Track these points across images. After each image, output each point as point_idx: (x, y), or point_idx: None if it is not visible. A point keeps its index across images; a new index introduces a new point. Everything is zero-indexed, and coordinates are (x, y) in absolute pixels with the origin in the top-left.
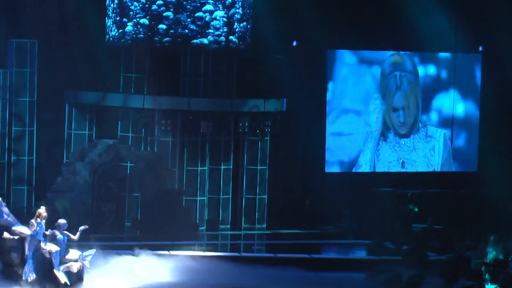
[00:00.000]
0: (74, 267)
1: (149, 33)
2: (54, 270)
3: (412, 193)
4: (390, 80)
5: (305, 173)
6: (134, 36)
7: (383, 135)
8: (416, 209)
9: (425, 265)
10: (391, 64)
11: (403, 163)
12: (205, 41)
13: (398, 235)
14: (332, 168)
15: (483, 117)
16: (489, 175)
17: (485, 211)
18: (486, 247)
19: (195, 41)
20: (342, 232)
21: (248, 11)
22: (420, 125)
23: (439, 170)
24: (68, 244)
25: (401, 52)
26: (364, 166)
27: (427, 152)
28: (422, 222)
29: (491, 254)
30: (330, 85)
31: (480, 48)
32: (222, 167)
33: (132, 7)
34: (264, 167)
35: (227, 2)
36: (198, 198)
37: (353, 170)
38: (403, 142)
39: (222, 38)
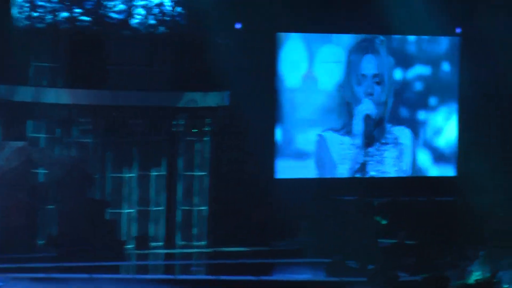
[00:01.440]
0: None
1: (67, 15)
2: None
3: (380, 202)
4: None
5: (253, 179)
6: (49, 18)
7: (348, 132)
8: (385, 221)
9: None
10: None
11: (363, 165)
12: (133, 24)
13: (363, 252)
14: (285, 173)
15: (462, 111)
16: (471, 179)
17: (467, 222)
18: (470, 265)
19: (121, 24)
20: (297, 249)
21: None
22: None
23: (410, 174)
24: None
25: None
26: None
27: (395, 157)
28: (392, 237)
29: (475, 274)
30: (282, 74)
31: (458, 30)
32: (154, 173)
33: None
34: (204, 172)
35: None
36: (125, 211)
37: (311, 176)
38: (369, 151)
39: (152, 21)
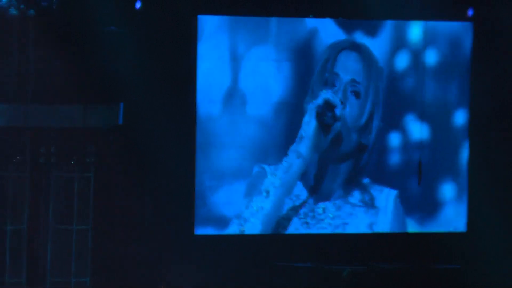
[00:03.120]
0: None
1: None
2: None
3: (350, 271)
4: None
5: (159, 235)
6: None
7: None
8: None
9: None
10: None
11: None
12: None
13: None
14: (208, 227)
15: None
16: (484, 236)
17: None
18: None
19: None
20: None
21: None
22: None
23: (391, 230)
24: None
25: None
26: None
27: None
28: None
29: None
30: (202, 77)
31: (470, 13)
32: (8, 227)
33: None
34: (84, 226)
35: None
36: None
37: (245, 232)
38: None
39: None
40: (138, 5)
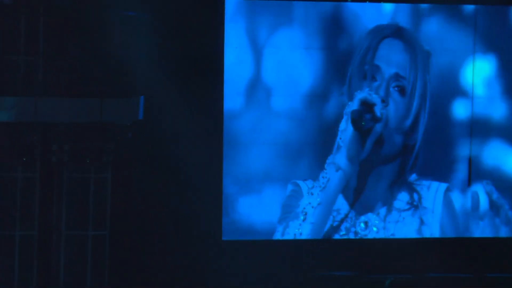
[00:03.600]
0: None
1: None
2: None
3: (393, 280)
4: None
5: (183, 242)
6: None
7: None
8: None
9: None
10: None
11: (366, 223)
12: None
13: None
14: (236, 232)
15: None
16: None
17: None
18: None
19: None
20: None
21: None
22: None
23: (441, 231)
24: None
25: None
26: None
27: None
28: None
29: None
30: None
31: None
32: (18, 232)
33: None
34: (102, 232)
35: None
36: None
37: (275, 237)
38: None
39: None
40: None
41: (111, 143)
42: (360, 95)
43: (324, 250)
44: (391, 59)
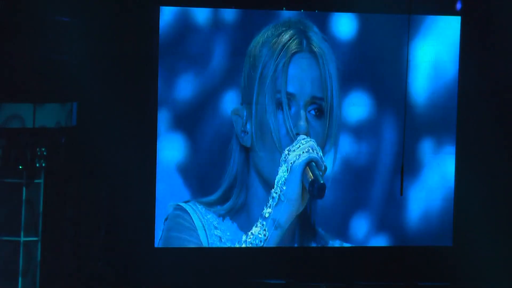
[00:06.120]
0: None
1: None
2: None
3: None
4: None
5: (116, 249)
6: None
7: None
8: None
9: None
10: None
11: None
12: None
13: None
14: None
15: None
16: (473, 250)
17: None
18: None
19: None
20: None
21: None
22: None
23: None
24: None
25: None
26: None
27: None
28: None
29: None
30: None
31: (458, 7)
32: None
33: None
34: (33, 238)
35: None
36: None
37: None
38: None
39: None
40: None
41: (44, 149)
42: (308, 155)
43: (257, 258)
44: (304, 79)
